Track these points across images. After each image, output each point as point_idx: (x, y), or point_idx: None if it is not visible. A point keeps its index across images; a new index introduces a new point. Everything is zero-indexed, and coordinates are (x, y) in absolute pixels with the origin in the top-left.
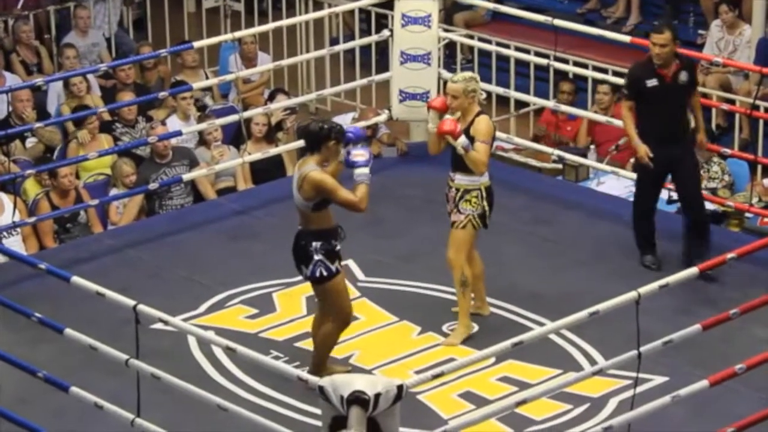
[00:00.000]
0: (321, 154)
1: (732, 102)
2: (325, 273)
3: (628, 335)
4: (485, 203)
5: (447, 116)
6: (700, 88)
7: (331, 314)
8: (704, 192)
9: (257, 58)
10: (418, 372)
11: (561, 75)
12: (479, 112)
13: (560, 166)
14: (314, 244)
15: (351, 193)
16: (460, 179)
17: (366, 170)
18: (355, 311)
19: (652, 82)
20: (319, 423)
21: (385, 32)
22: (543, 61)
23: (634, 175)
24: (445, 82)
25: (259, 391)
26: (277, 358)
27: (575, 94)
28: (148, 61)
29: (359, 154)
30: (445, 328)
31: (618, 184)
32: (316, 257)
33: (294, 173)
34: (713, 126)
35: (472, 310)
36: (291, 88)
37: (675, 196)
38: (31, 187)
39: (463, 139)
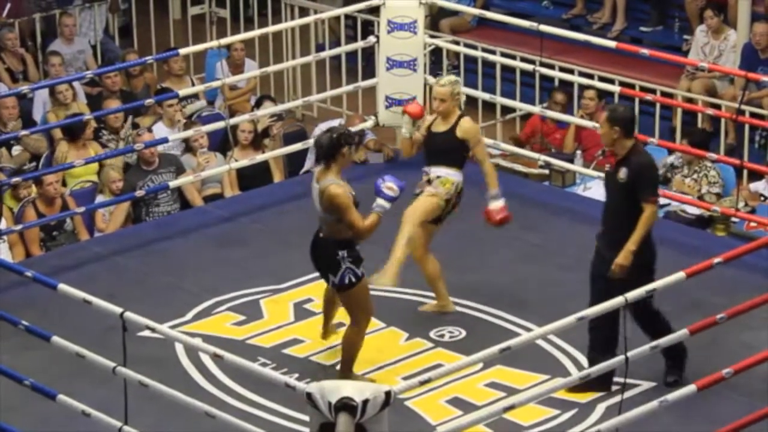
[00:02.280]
0: (337, 162)
1: (717, 107)
2: (354, 279)
3: None
4: (455, 196)
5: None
6: (685, 93)
7: (357, 317)
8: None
9: (244, 65)
10: (405, 378)
11: (553, 84)
12: (461, 114)
13: (546, 171)
14: (340, 252)
15: (361, 218)
16: (437, 171)
17: (388, 205)
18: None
19: (609, 166)
20: (306, 430)
21: (371, 38)
22: (529, 67)
23: None
24: (431, 87)
25: (247, 397)
26: (264, 364)
27: (567, 104)
28: (134, 68)
29: (392, 188)
30: (432, 333)
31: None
32: (345, 265)
33: (313, 184)
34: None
35: (435, 309)
36: (277, 95)
37: (661, 200)
38: (10, 199)
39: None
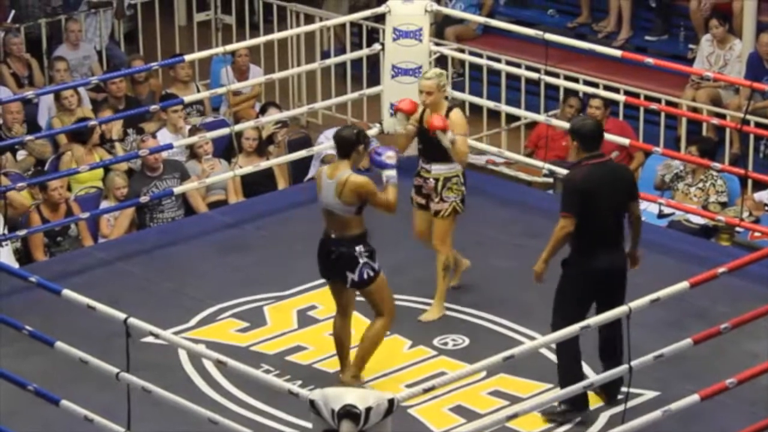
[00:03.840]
0: (351, 159)
1: (722, 116)
2: (372, 273)
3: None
4: (463, 188)
5: (433, 113)
6: (690, 103)
7: (383, 311)
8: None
9: (249, 71)
10: (409, 386)
11: (557, 93)
12: (450, 106)
13: (551, 179)
14: (357, 248)
15: (385, 195)
16: (438, 169)
17: (395, 172)
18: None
19: None
20: None
21: (377, 46)
22: (534, 75)
23: None
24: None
25: (250, 404)
26: (267, 371)
27: (581, 110)
28: (139, 74)
29: (390, 156)
30: (435, 341)
31: None
32: (362, 260)
33: (323, 180)
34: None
35: (454, 283)
36: (282, 102)
37: (666, 210)
38: (28, 197)
39: (450, 133)
